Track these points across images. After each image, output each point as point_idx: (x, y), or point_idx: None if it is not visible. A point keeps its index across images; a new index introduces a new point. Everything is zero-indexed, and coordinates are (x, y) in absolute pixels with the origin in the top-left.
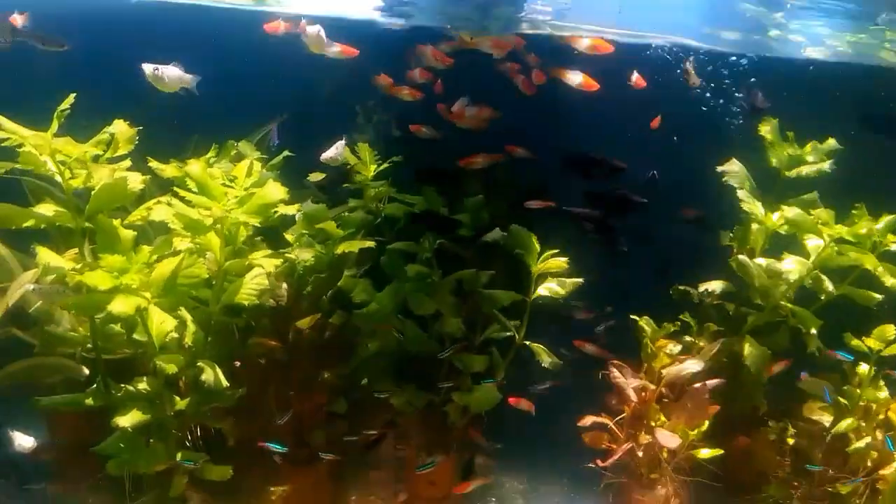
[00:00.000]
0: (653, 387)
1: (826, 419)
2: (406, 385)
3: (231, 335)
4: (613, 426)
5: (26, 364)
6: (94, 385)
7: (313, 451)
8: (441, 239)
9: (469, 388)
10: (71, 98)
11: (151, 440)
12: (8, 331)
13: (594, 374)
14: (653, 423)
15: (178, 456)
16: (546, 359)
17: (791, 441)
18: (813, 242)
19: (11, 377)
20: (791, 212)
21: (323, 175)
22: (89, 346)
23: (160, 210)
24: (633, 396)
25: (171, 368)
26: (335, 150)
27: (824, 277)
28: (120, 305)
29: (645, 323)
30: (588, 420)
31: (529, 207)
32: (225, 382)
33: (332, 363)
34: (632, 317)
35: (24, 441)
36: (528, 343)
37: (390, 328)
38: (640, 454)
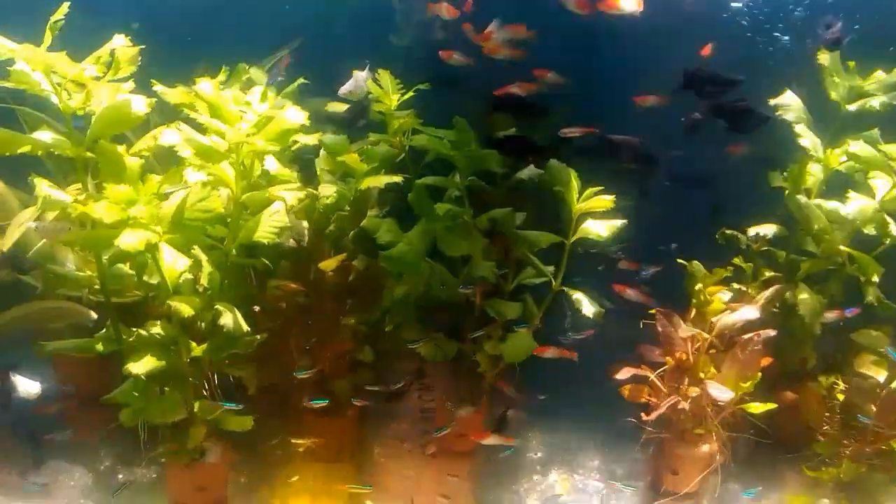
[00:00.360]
0: (705, 335)
1: (880, 374)
2: (434, 333)
3: (248, 278)
4: (655, 378)
5: (30, 309)
6: (104, 330)
7: (338, 402)
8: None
9: (501, 337)
10: (65, 7)
11: (166, 389)
12: (9, 273)
13: (631, 325)
14: (702, 375)
15: (196, 406)
16: (587, 307)
17: (841, 397)
18: (881, 182)
19: (14, 323)
20: (857, 146)
21: (345, 106)
22: (97, 287)
23: (169, 135)
24: (682, 346)
25: (187, 311)
26: (354, 83)
27: (890, 221)
28: (128, 240)
29: (696, 268)
30: (627, 372)
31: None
32: (245, 327)
33: (356, 309)
34: (680, 261)
35: (29, 387)
36: (566, 289)
37: (419, 270)
38: (686, 408)
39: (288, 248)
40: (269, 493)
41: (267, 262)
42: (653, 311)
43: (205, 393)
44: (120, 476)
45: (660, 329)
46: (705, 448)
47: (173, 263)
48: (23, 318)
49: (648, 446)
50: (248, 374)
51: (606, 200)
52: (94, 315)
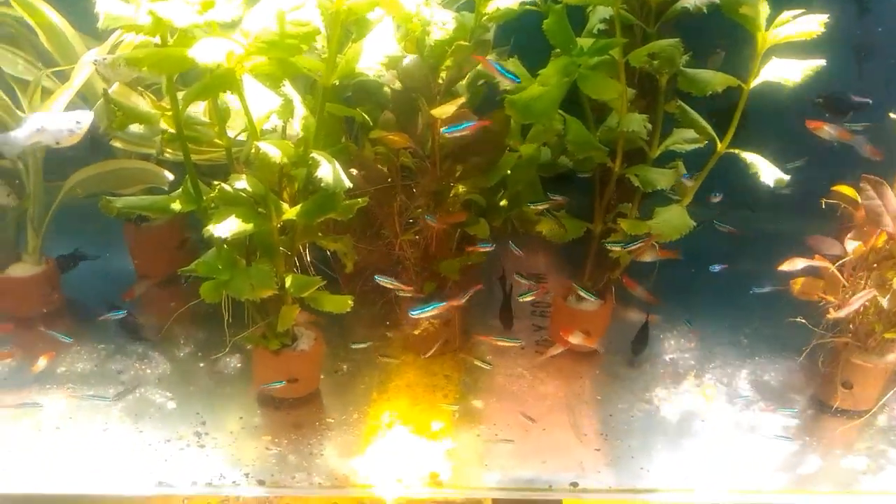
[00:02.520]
0: None
1: None
2: (558, 209)
3: (345, 130)
4: (835, 270)
5: (101, 169)
6: (181, 187)
7: (444, 285)
8: None
9: (637, 215)
10: None
11: (254, 260)
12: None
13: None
14: None
15: (288, 281)
16: (766, 172)
17: None
18: None
19: (84, 187)
20: None
21: None
22: (171, 131)
23: None
24: (892, 225)
25: (279, 158)
26: None
27: None
28: (206, 50)
29: None
30: (797, 262)
31: None
32: (346, 182)
33: (471, 173)
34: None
35: None
36: (736, 152)
37: (550, 122)
38: (886, 305)
39: (393, 93)
40: (365, 388)
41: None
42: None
43: (296, 269)
44: (201, 365)
45: (865, 201)
46: (892, 358)
47: (261, 100)
48: (93, 179)
49: (815, 355)
50: (345, 248)
51: (809, 29)
52: (170, 176)
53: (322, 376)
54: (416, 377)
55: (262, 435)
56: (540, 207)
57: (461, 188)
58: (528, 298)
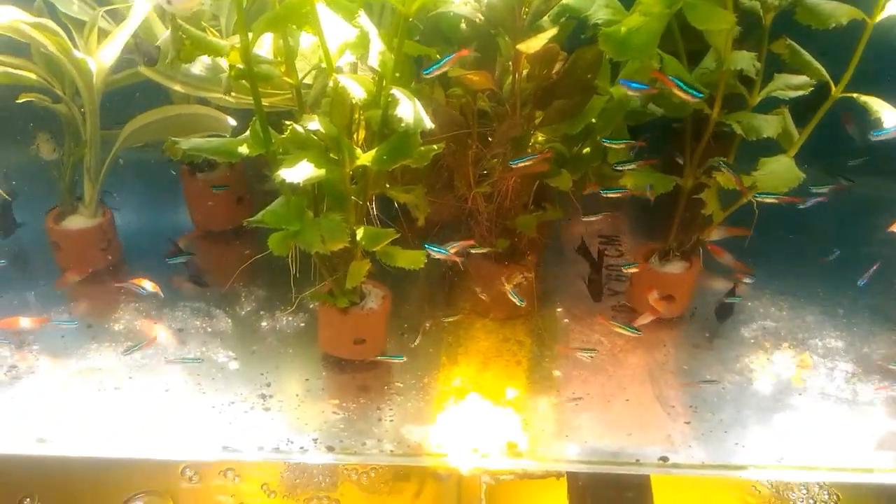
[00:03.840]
0: None
1: None
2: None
3: (409, 70)
4: None
5: (163, 114)
6: (248, 130)
7: (516, 244)
8: None
9: (736, 168)
10: None
11: (322, 211)
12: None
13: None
14: None
15: (360, 233)
16: (889, 116)
17: None
18: None
19: (146, 133)
20: None
21: None
22: (240, 67)
23: None
24: None
25: (361, 95)
26: None
27: None
28: None
29: None
30: None
31: None
32: (428, 122)
33: (555, 116)
34: None
35: None
36: (855, 96)
37: (648, 59)
38: None
39: (473, 28)
40: (434, 352)
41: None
42: None
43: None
44: (264, 324)
45: None
46: None
47: (335, 32)
48: (152, 127)
49: None
50: (417, 199)
51: None
52: (233, 122)
53: (390, 340)
54: (486, 342)
55: (329, 398)
56: (627, 168)
57: (540, 136)
58: (633, 270)
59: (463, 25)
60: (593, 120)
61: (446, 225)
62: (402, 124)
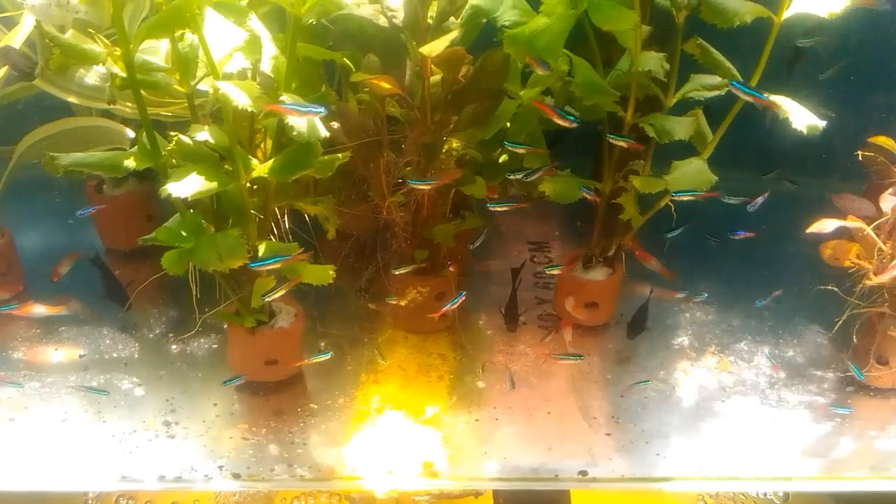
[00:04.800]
0: None
1: None
2: (563, 166)
3: (321, 77)
4: (871, 232)
5: (58, 128)
6: (136, 142)
7: (436, 254)
8: None
9: (650, 173)
10: None
11: (224, 225)
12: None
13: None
14: None
15: (261, 249)
16: (798, 117)
17: None
18: None
19: (43, 147)
20: None
21: None
22: (123, 77)
23: None
24: None
25: (246, 103)
26: None
27: None
28: None
29: None
30: (828, 224)
31: None
32: (323, 130)
33: (467, 122)
34: None
35: None
36: (766, 95)
37: (555, 61)
38: None
39: (377, 30)
40: (352, 369)
41: (347, 61)
42: None
43: (273, 237)
44: (173, 347)
45: None
46: None
47: (222, 36)
48: (48, 141)
49: (846, 328)
50: (327, 211)
51: None
52: (130, 133)
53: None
54: (408, 357)
55: (239, 423)
56: (518, 177)
57: (454, 142)
58: (556, 272)
59: (368, 27)
60: (508, 125)
61: (362, 236)
62: (294, 133)
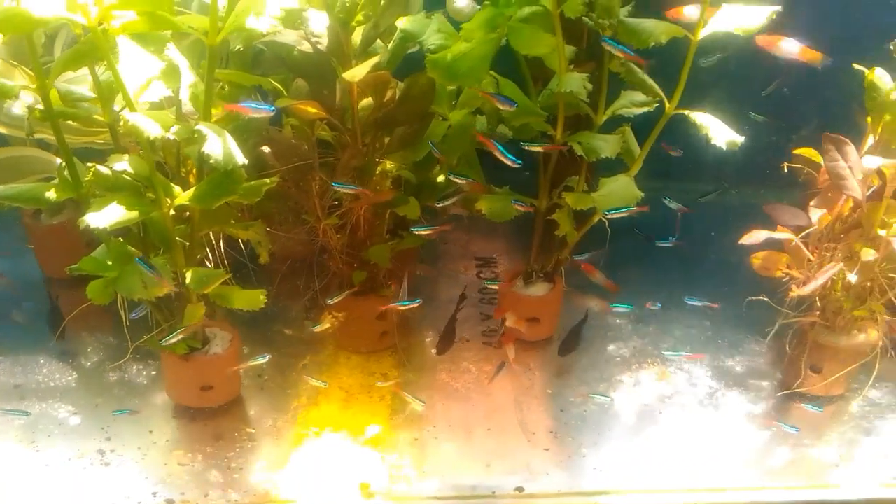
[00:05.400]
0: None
1: None
2: (498, 186)
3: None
4: (799, 242)
5: None
6: (57, 172)
7: (373, 276)
8: None
9: (587, 187)
10: None
11: (154, 253)
12: None
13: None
14: (881, 231)
15: (188, 276)
16: (717, 133)
17: None
18: None
19: None
20: None
21: None
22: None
23: None
24: (856, 189)
25: (155, 133)
26: None
27: None
28: (43, 2)
29: (878, 77)
30: (758, 235)
31: None
32: (240, 157)
33: (397, 144)
34: (857, 66)
35: None
36: (686, 113)
37: (480, 84)
38: (857, 278)
39: (303, 56)
40: (293, 392)
41: (275, 83)
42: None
43: (209, 263)
44: (110, 375)
45: (827, 163)
46: (861, 338)
47: (137, 65)
48: None
49: (781, 337)
50: (258, 236)
51: None
52: (57, 161)
53: (245, 382)
54: (350, 378)
55: (175, 449)
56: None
57: (388, 164)
58: (495, 287)
59: (296, 53)
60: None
61: (298, 260)
62: (212, 161)
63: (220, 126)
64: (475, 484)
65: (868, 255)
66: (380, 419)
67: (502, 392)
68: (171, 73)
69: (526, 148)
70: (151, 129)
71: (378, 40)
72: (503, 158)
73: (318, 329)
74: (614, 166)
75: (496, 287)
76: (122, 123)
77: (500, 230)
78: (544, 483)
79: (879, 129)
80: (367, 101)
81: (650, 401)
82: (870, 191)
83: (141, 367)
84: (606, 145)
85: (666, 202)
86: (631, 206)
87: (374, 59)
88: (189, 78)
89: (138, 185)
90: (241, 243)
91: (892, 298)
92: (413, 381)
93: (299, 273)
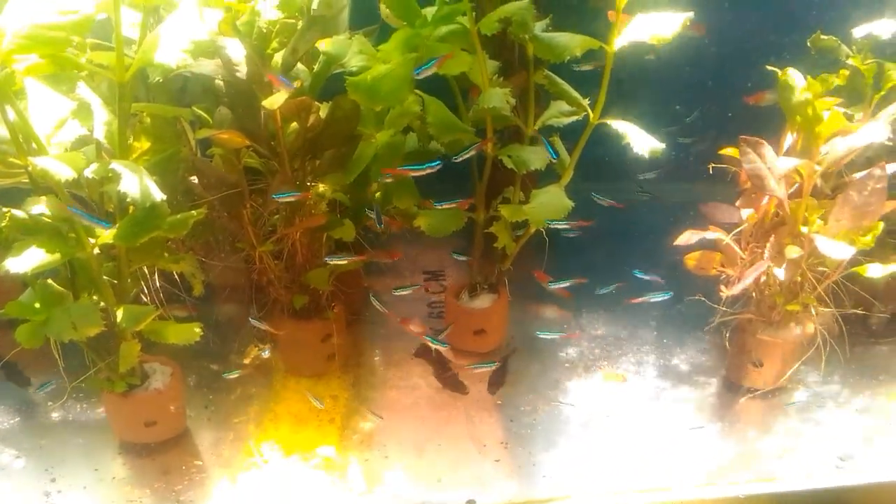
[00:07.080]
0: (815, 167)
1: None
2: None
3: (183, 133)
4: (731, 242)
5: None
6: None
7: (315, 299)
8: None
9: (521, 199)
10: None
11: (84, 293)
12: None
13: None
14: (804, 229)
15: (119, 314)
16: (638, 141)
17: None
18: None
19: None
20: None
21: None
22: None
23: None
24: (776, 189)
25: (62, 174)
26: None
27: None
28: None
29: (791, 77)
30: (691, 236)
31: None
32: (158, 194)
33: (327, 167)
34: (770, 68)
35: None
36: (608, 122)
37: (403, 103)
38: (783, 276)
39: (225, 84)
40: (243, 420)
41: (200, 111)
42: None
43: (145, 298)
44: (53, 415)
45: (746, 165)
46: (798, 331)
47: (47, 107)
48: None
49: (722, 333)
50: (190, 267)
51: None
52: None
53: (191, 414)
54: (298, 403)
55: (122, 486)
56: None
57: (322, 187)
58: (405, 293)
59: (218, 81)
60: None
61: (236, 288)
62: (129, 199)
63: (138, 162)
64: (426, 500)
65: (793, 252)
66: (330, 441)
67: (452, 406)
68: (84, 111)
69: (457, 160)
70: (62, 171)
71: (300, 64)
72: (421, 172)
73: (230, 376)
74: (554, 174)
75: (403, 294)
76: (35, 168)
77: (447, 243)
78: (496, 493)
79: (796, 129)
80: (294, 126)
81: (598, 403)
82: (791, 189)
83: (84, 405)
84: (536, 157)
85: (596, 199)
86: (563, 218)
87: (297, 87)
88: (102, 115)
89: (58, 226)
90: (176, 276)
91: (822, 293)
92: (364, 400)
93: (241, 300)
